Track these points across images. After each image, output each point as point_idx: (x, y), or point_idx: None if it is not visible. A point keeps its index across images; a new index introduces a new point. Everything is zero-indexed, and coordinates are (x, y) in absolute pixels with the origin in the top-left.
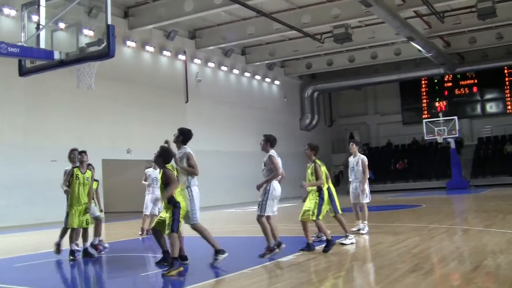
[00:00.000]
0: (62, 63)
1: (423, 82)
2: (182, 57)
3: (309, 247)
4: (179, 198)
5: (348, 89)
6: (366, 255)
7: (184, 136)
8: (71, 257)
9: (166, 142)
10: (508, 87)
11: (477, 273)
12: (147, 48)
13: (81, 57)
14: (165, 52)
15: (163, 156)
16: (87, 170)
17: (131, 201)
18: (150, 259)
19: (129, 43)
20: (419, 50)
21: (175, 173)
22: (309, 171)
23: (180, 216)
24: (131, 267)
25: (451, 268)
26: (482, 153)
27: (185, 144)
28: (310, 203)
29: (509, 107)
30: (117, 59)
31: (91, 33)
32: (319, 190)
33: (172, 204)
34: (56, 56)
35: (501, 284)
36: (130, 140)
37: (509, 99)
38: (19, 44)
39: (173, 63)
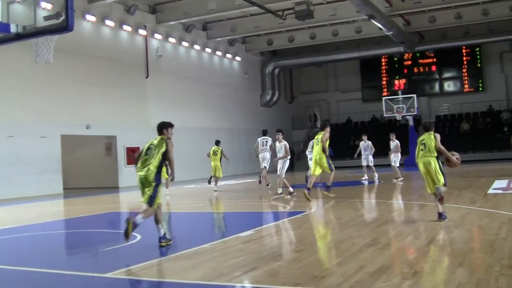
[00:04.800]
0: (19, 37)
1: (383, 60)
2: (142, 32)
3: None
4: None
5: (309, 66)
6: (326, 230)
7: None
8: None
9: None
10: (465, 66)
11: (432, 246)
12: (107, 22)
13: (38, 31)
14: (125, 27)
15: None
16: None
17: (90, 177)
18: (109, 235)
19: (88, 17)
20: (380, 28)
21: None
22: None
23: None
24: (91, 243)
25: (407, 242)
26: (440, 131)
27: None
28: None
29: (466, 86)
30: (76, 33)
31: (49, 6)
32: None
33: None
34: (13, 29)
35: (455, 257)
36: (90, 116)
37: (466, 78)
38: None
39: (133, 38)
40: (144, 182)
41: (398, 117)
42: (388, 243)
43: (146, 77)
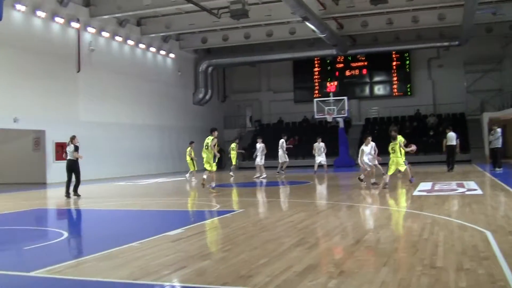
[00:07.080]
0: None
1: (315, 62)
2: (75, 24)
3: None
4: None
5: (243, 66)
6: (253, 230)
7: None
8: None
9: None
10: (395, 71)
11: (358, 246)
12: (38, 13)
13: None
14: (57, 19)
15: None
16: None
17: (17, 172)
18: (34, 232)
19: (18, 6)
20: (313, 31)
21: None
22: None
23: None
24: (15, 241)
25: (334, 242)
26: (369, 133)
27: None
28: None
29: (395, 90)
30: (5, 23)
31: None
32: None
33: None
34: None
35: (380, 257)
36: (18, 109)
37: (395, 82)
38: None
39: (65, 31)
40: (206, 160)
41: (329, 118)
42: (316, 243)
43: (78, 71)
